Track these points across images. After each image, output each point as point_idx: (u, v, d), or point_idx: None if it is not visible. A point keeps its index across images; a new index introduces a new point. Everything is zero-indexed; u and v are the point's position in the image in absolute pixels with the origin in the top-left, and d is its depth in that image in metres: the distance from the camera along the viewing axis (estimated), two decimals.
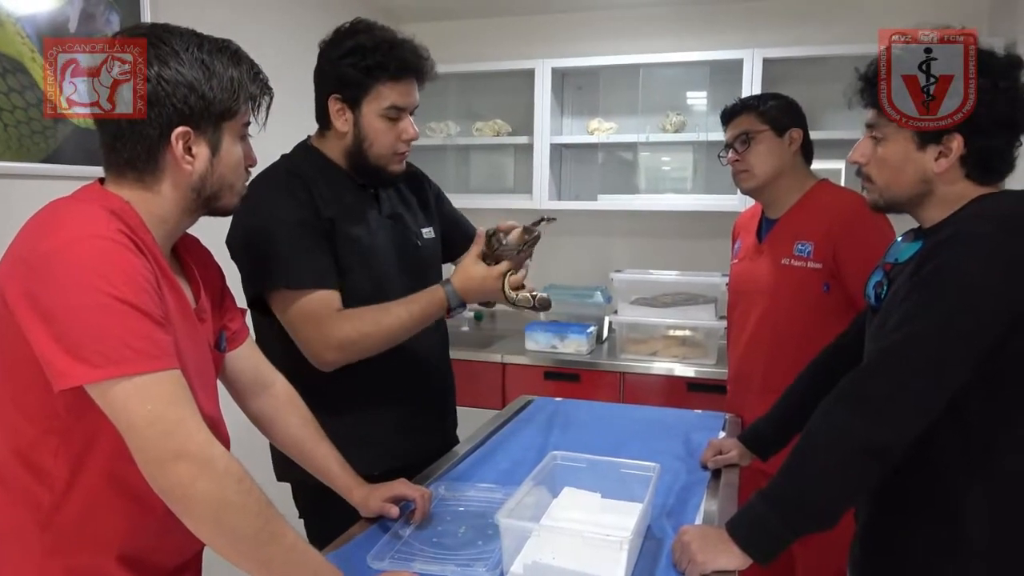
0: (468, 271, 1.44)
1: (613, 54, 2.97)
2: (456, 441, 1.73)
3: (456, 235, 1.74)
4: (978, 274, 1.01)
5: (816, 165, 1.95)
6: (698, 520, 1.31)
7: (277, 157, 1.52)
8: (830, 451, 1.07)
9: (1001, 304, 1.01)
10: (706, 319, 2.70)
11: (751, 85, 2.67)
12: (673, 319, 2.75)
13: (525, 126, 3.07)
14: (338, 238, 1.45)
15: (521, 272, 1.47)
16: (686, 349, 2.77)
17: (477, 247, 1.45)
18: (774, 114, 1.85)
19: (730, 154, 1.90)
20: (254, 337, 1.31)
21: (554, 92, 3.04)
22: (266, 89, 1.03)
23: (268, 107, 1.05)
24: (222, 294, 1.17)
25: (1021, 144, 1.11)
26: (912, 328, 1.04)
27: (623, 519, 1.19)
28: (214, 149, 0.98)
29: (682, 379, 2.68)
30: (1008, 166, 1.12)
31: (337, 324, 1.38)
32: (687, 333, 2.80)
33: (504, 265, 1.43)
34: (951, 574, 1.12)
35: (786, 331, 1.81)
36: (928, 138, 1.10)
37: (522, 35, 3.23)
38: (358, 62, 1.40)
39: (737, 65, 2.71)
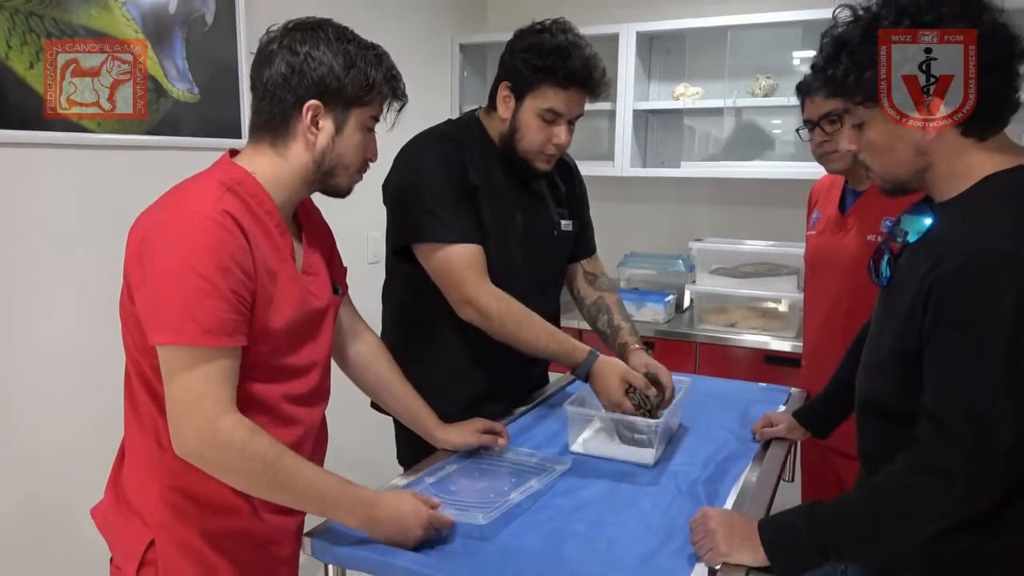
0: (610, 372, 1.48)
1: (699, 16, 2.88)
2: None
3: (580, 239, 1.82)
4: (1007, 316, 0.92)
5: None
6: (733, 492, 1.32)
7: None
8: (903, 521, 1.01)
9: None
10: (789, 291, 2.63)
11: None
12: (752, 290, 2.69)
13: (610, 92, 3.04)
14: (478, 206, 1.54)
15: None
16: (766, 321, 2.71)
17: (634, 379, 1.48)
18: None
19: (816, 134, 1.78)
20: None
21: (641, 56, 2.99)
22: (398, 94, 1.15)
23: (399, 111, 1.17)
24: (332, 252, 1.30)
25: (1022, 79, 1.00)
26: (964, 381, 0.96)
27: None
28: (338, 128, 1.10)
29: (761, 351, 2.62)
30: (1008, 108, 1.01)
31: (483, 290, 1.48)
32: (768, 304, 2.73)
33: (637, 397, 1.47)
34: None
35: (869, 311, 1.73)
36: None
37: None
38: (530, 59, 1.49)
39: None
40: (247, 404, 1.06)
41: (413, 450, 1.50)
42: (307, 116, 1.08)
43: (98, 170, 1.85)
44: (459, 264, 1.48)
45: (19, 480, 1.72)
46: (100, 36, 1.81)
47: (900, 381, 1.05)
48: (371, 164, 1.21)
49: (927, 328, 0.98)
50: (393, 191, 1.57)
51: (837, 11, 1.06)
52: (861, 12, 1.02)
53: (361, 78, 1.08)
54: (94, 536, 1.17)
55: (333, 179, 1.14)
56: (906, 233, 1.09)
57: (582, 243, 1.83)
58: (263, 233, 1.07)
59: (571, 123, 1.56)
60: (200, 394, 0.97)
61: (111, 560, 1.14)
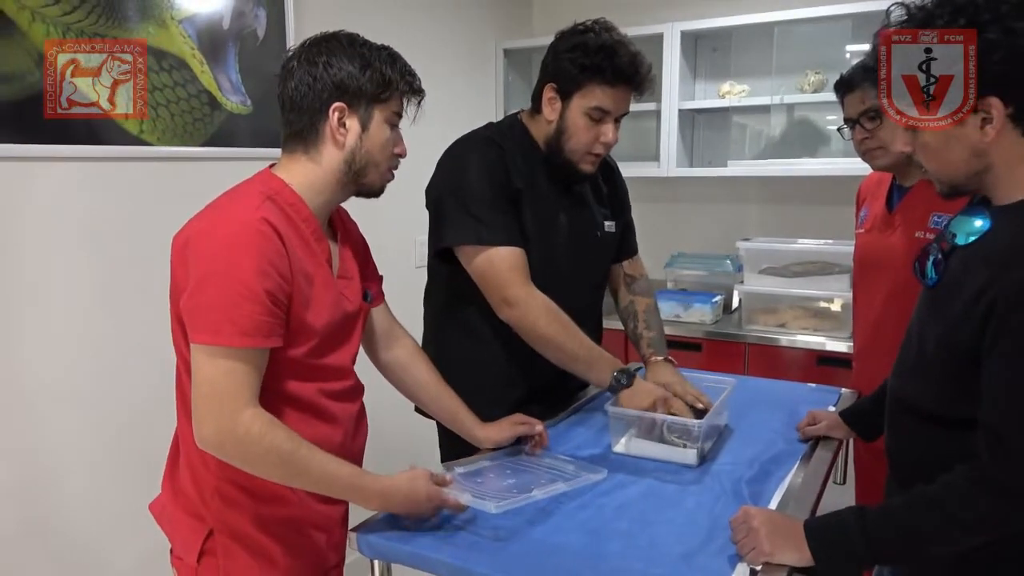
0: (641, 387, 1.49)
1: (745, 13, 2.85)
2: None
3: (622, 240, 1.82)
4: None
5: None
6: (778, 493, 1.30)
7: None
8: (961, 532, 0.99)
9: None
10: (841, 290, 2.57)
11: None
12: (803, 289, 2.64)
13: (655, 91, 3.03)
14: (521, 209, 1.56)
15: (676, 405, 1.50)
16: (818, 321, 2.66)
17: (674, 403, 1.49)
18: None
19: (857, 131, 1.76)
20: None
21: (686, 55, 2.98)
22: (414, 89, 1.21)
23: (418, 105, 1.23)
24: (366, 260, 1.36)
25: None
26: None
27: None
28: (364, 126, 1.16)
29: (813, 352, 2.58)
30: None
31: (526, 291, 1.48)
32: (821, 304, 2.68)
33: (672, 402, 1.48)
34: None
35: None
36: None
37: None
38: (577, 59, 1.49)
39: (881, 17, 2.51)
40: (283, 402, 1.10)
41: (456, 451, 1.53)
42: (334, 118, 1.14)
43: (156, 180, 1.93)
44: (502, 266, 1.50)
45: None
46: (158, 54, 1.89)
47: (942, 383, 1.03)
48: (403, 164, 1.24)
49: (987, 340, 0.96)
50: (436, 195, 1.59)
51: (891, 9, 1.03)
52: (915, 11, 0.99)
53: (378, 76, 1.15)
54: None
55: (365, 178, 1.19)
56: (954, 235, 1.06)
57: (625, 244, 1.84)
58: (300, 239, 1.13)
59: (617, 121, 1.56)
60: (223, 389, 1.03)
61: (171, 551, 1.20)
